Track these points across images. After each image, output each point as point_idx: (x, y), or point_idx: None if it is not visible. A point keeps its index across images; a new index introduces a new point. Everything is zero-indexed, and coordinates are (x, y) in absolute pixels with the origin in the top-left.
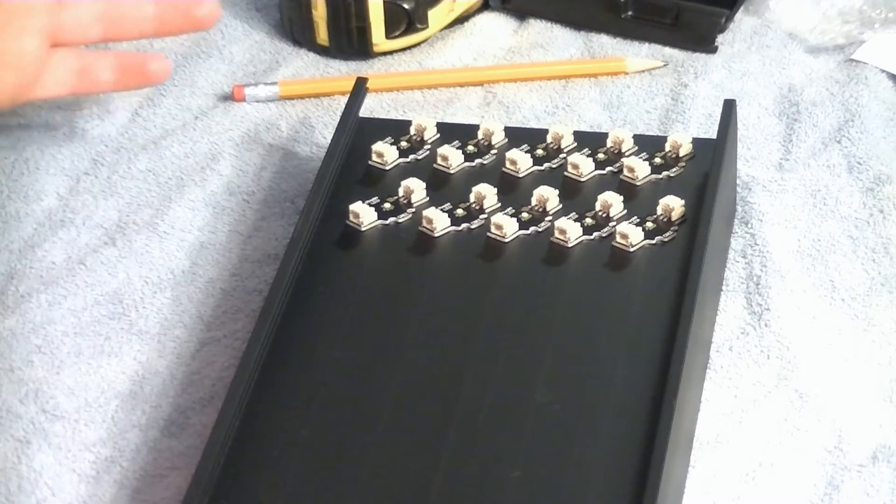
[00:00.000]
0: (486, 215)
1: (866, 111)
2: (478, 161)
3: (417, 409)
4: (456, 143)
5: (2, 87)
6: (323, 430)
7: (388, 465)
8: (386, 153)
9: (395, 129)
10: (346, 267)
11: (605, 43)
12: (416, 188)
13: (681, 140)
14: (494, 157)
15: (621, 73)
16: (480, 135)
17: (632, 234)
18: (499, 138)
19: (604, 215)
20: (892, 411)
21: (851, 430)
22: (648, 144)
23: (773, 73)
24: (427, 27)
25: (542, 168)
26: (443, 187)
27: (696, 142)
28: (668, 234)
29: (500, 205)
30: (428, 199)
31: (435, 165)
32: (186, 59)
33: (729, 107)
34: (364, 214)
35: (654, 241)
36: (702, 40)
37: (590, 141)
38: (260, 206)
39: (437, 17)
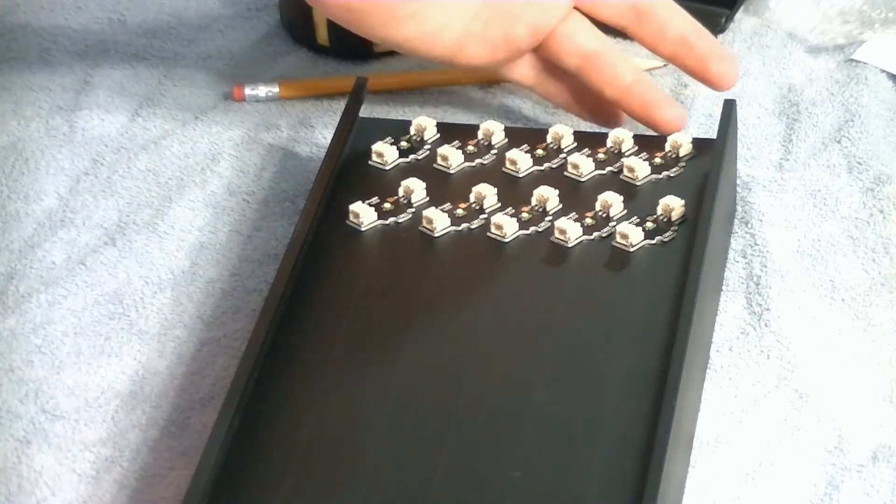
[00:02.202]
0: (486, 215)
1: (866, 111)
2: (478, 161)
3: (417, 408)
4: (456, 143)
5: (506, 44)
6: (323, 430)
7: (388, 465)
8: (386, 153)
9: (395, 129)
10: (346, 267)
11: None
12: (416, 188)
13: (681, 140)
14: (494, 157)
15: None
16: (480, 135)
17: (632, 234)
18: (499, 138)
19: (604, 215)
20: (892, 411)
21: (851, 430)
22: (648, 144)
23: (773, 73)
24: None
25: (542, 168)
26: (443, 187)
27: (696, 142)
28: (668, 234)
29: (500, 205)
30: (428, 199)
31: (435, 165)
32: (186, 59)
33: (729, 107)
34: (364, 214)
35: (654, 241)
36: None
37: (590, 141)
38: (260, 206)
39: None
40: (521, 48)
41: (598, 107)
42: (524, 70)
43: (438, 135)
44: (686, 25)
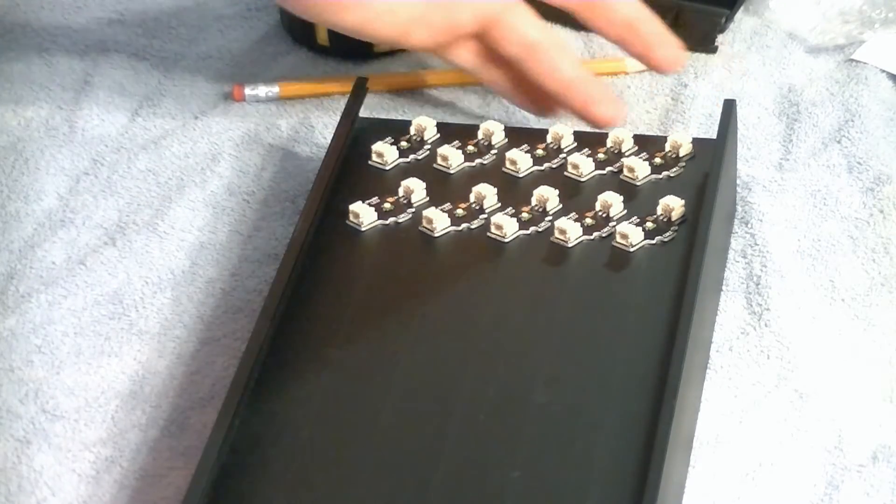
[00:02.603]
0: (486, 215)
1: (866, 111)
2: (478, 161)
3: (417, 409)
4: (456, 143)
5: (443, 28)
6: (323, 430)
7: (388, 465)
8: (386, 153)
9: (395, 129)
10: (346, 267)
11: (605, 43)
12: (416, 188)
13: (681, 140)
14: (494, 157)
15: (621, 73)
16: (480, 135)
17: (632, 234)
18: (499, 138)
19: (604, 215)
20: (892, 411)
21: (851, 430)
22: (648, 144)
23: (773, 73)
24: None
25: (542, 168)
26: (443, 187)
27: (696, 142)
28: (668, 234)
29: (500, 205)
30: (428, 199)
31: (435, 165)
32: (186, 59)
33: (729, 107)
34: (364, 214)
35: (654, 241)
36: (702, 40)
37: (590, 141)
38: (260, 206)
39: None
40: (462, 33)
41: (536, 97)
42: (466, 55)
43: (438, 135)
44: (633, 10)
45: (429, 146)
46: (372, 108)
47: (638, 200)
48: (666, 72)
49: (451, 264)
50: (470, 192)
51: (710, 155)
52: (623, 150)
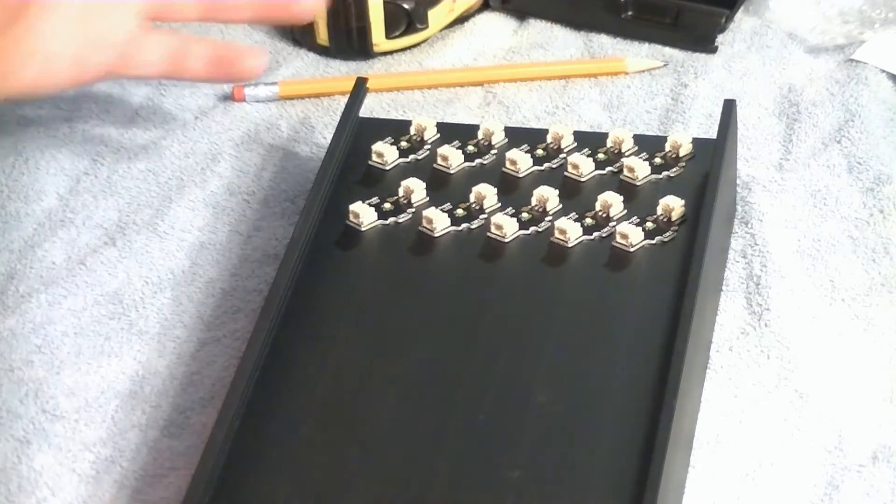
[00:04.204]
0: (486, 215)
1: (866, 111)
2: (478, 161)
3: (417, 408)
4: (456, 143)
5: (94, 65)
6: (323, 430)
7: (388, 465)
8: (386, 153)
9: (395, 129)
10: (346, 267)
11: (605, 43)
12: (416, 188)
13: (681, 140)
14: (494, 157)
15: (621, 73)
16: (480, 135)
17: (632, 234)
18: (499, 138)
19: (604, 215)
20: (892, 411)
21: (851, 430)
22: (648, 144)
23: (773, 73)
24: (427, 27)
25: (542, 168)
26: (443, 187)
27: (696, 142)
28: (668, 234)
29: (500, 205)
30: (428, 199)
31: (435, 165)
32: None
33: (729, 107)
34: (364, 214)
35: (654, 241)
36: (702, 40)
37: (590, 141)
38: (260, 206)
39: (437, 17)
40: (108, 76)
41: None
42: (145, 65)
43: (438, 135)
44: None
45: (429, 146)
46: (372, 108)
47: (638, 200)
48: (306, 16)
49: (451, 264)
50: (470, 192)
51: (710, 155)
52: (623, 150)
